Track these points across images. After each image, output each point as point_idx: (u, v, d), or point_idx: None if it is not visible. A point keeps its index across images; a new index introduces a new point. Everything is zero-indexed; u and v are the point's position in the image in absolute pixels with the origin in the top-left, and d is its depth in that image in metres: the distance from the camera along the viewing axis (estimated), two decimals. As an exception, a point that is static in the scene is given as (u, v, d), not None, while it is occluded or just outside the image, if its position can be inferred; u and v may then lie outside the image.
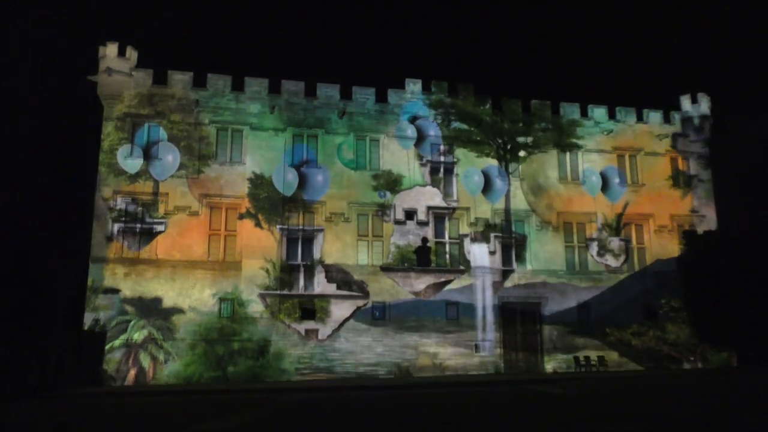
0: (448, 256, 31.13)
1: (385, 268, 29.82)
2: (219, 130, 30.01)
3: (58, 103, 36.11)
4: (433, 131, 32.09)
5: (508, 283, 31.05)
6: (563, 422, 11.46)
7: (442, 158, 31.69)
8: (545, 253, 31.97)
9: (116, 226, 27.92)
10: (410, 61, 63.76)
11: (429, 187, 31.37)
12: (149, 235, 28.15)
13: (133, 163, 28.58)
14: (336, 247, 29.65)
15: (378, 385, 23.79)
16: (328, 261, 29.38)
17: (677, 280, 32.08)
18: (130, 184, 28.44)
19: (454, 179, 31.73)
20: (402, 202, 30.84)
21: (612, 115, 34.57)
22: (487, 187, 31.82)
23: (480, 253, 31.08)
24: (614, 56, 67.79)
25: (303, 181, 29.99)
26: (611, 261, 32.43)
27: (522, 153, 32.66)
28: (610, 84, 60.16)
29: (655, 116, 34.99)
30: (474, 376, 28.25)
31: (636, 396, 16.61)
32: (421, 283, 30.03)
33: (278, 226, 29.26)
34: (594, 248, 32.46)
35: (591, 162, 33.56)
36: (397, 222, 30.56)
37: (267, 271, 28.61)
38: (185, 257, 28.18)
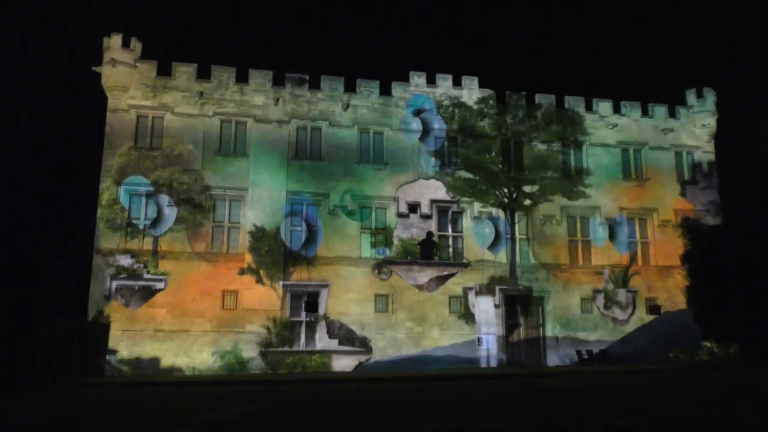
0: (451, 249, 31.12)
1: (389, 261, 29.81)
2: (223, 122, 29.96)
3: (62, 95, 36.14)
4: (438, 124, 31.97)
5: (513, 338, 30.61)
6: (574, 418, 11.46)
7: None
8: (555, 309, 31.31)
9: (114, 284, 27.08)
10: (414, 54, 63.55)
11: (433, 180, 31.31)
12: (148, 292, 27.34)
13: (135, 217, 27.87)
14: (339, 302, 28.87)
15: (379, 377, 23.79)
16: (332, 316, 28.70)
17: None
18: (130, 240, 27.68)
19: (460, 225, 31.10)
20: (405, 195, 30.79)
21: (617, 109, 34.42)
22: (492, 239, 31.03)
23: (485, 307, 30.55)
24: (620, 51, 67.46)
25: (309, 235, 29.29)
26: (618, 314, 31.97)
27: (527, 202, 31.76)
28: (615, 78, 59.92)
29: (660, 110, 34.82)
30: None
31: (640, 392, 16.61)
32: (425, 276, 30.02)
33: (281, 282, 28.56)
34: (600, 300, 31.70)
35: (595, 156, 33.41)
36: (401, 215, 30.53)
37: (268, 328, 27.90)
38: (184, 315, 27.45)
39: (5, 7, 35.94)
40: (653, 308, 31.71)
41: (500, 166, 31.85)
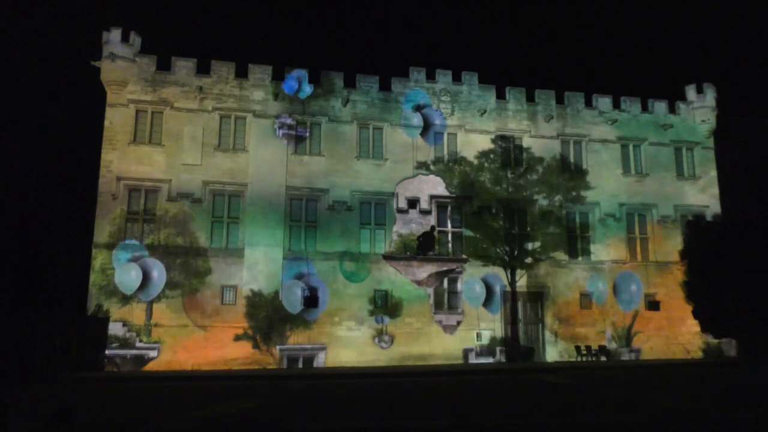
0: (450, 245, 31.12)
1: (388, 257, 29.81)
2: (222, 117, 29.92)
3: (60, 88, 36.06)
4: (439, 120, 31.93)
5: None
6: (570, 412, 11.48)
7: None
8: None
9: (106, 353, 26.29)
10: (414, 49, 63.44)
11: (432, 176, 31.29)
12: (141, 360, 26.62)
13: (125, 284, 26.98)
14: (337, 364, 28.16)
15: (378, 373, 23.82)
16: None
17: None
18: (122, 307, 26.89)
19: (459, 287, 30.39)
20: (405, 190, 30.78)
21: (617, 105, 34.38)
22: (490, 299, 30.30)
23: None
24: (620, 47, 67.38)
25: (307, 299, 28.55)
26: None
27: (529, 260, 31.18)
28: (615, 74, 59.83)
29: (660, 106, 34.79)
30: None
31: (644, 388, 16.62)
32: (424, 272, 30.02)
33: (278, 347, 27.93)
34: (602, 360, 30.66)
35: (594, 152, 33.39)
36: (400, 211, 30.52)
37: None
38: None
39: (3, 0, 35.85)
40: (652, 304, 31.74)
41: (501, 223, 31.11)
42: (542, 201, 31.98)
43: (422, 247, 30.21)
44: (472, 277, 30.36)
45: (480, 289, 30.15)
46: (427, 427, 9.57)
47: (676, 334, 31.97)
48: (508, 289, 30.40)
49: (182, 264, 27.86)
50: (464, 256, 30.69)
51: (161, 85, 29.54)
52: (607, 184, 33.11)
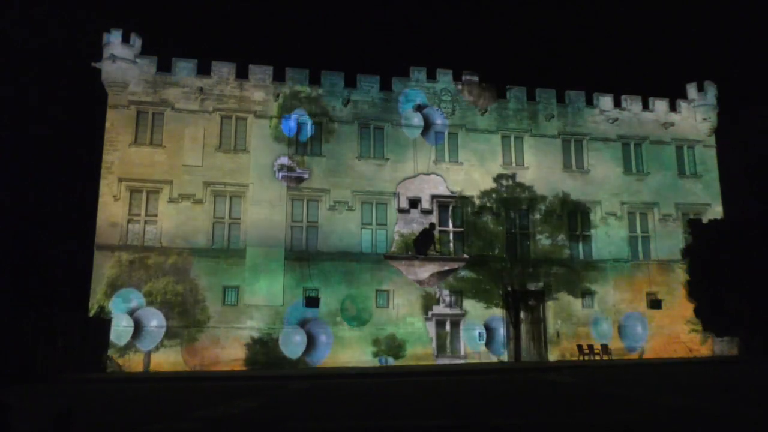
0: (451, 244, 31.09)
1: (389, 257, 29.80)
2: (223, 118, 29.93)
3: (62, 90, 36.09)
4: (440, 119, 31.91)
5: None
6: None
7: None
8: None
9: (108, 355, 26.26)
10: (415, 49, 63.43)
11: (433, 175, 31.27)
12: None
13: (120, 332, 26.73)
14: None
15: (378, 373, 23.82)
16: None
17: None
18: (120, 358, 26.71)
19: (461, 334, 30.01)
20: (406, 190, 30.77)
21: (617, 103, 34.34)
22: (493, 340, 30.15)
23: None
24: (621, 45, 67.30)
25: (308, 343, 28.53)
26: None
27: (531, 302, 31.04)
28: (616, 72, 59.78)
29: (661, 104, 34.74)
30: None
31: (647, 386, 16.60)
32: (425, 271, 30.00)
33: None
34: None
35: (596, 150, 33.34)
36: (401, 211, 30.50)
37: None
38: None
39: (5, 2, 35.89)
40: (654, 302, 31.68)
41: (504, 263, 30.73)
42: (545, 240, 31.59)
43: (421, 245, 30.02)
44: (473, 320, 30.02)
45: (481, 333, 29.92)
46: (428, 427, 9.56)
47: (678, 332, 31.93)
48: (512, 330, 30.16)
49: (180, 313, 27.49)
50: (465, 256, 30.66)
51: (162, 86, 29.57)
52: (608, 182, 33.07)
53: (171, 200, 28.48)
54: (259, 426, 10.16)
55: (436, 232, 30.64)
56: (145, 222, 28.24)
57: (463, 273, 30.43)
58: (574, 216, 32.45)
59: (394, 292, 29.57)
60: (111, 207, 27.96)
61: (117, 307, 26.87)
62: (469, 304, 30.25)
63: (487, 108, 32.35)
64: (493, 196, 31.47)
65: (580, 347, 30.16)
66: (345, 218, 29.89)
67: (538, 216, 31.80)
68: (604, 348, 30.34)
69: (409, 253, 29.98)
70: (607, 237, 32.42)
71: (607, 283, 31.87)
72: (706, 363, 27.46)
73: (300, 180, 29.77)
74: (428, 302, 29.81)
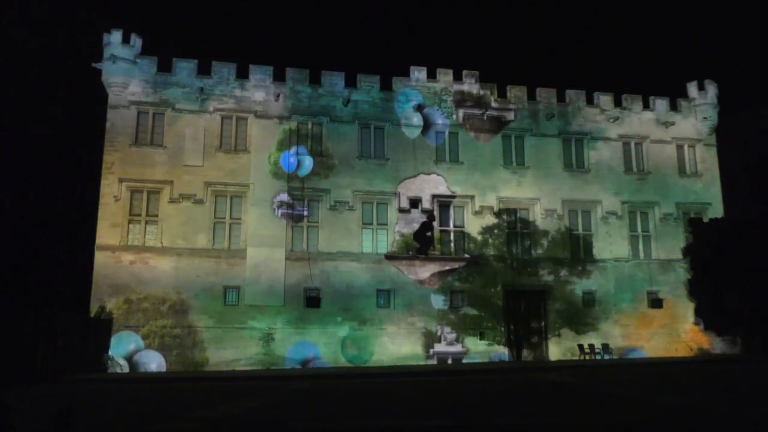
0: (452, 244, 31.07)
1: (390, 257, 29.78)
2: (224, 118, 29.93)
3: (62, 90, 36.10)
4: (441, 119, 31.87)
5: None
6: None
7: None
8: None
9: (109, 354, 26.06)
10: (415, 48, 63.41)
11: (434, 175, 31.25)
12: None
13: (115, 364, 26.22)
14: None
15: (379, 373, 23.81)
16: None
17: None
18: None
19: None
20: (407, 190, 30.74)
21: (618, 103, 34.30)
22: None
23: None
24: (621, 44, 67.26)
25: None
26: None
27: (535, 339, 30.61)
28: (617, 72, 59.75)
29: (661, 103, 34.70)
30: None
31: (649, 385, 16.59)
32: (426, 271, 29.97)
33: None
34: None
35: (596, 150, 33.29)
36: (402, 210, 30.48)
37: None
38: None
39: (5, 2, 35.90)
40: (655, 302, 31.66)
41: (506, 302, 30.21)
42: (547, 277, 31.30)
43: (421, 239, 29.80)
44: (476, 358, 29.60)
45: None
46: (428, 427, 9.56)
47: (679, 331, 31.91)
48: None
49: (179, 355, 27.13)
50: (466, 255, 30.63)
51: (162, 87, 29.56)
52: (608, 182, 33.03)
53: (171, 200, 28.49)
54: (259, 426, 10.16)
55: (435, 224, 30.41)
56: (146, 222, 28.25)
57: (466, 310, 30.09)
58: (574, 215, 32.40)
59: (392, 334, 29.24)
60: (111, 207, 27.96)
61: (117, 351, 26.39)
62: (470, 341, 29.85)
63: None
64: (495, 231, 31.08)
65: (580, 347, 30.14)
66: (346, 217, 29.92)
67: (540, 251, 31.44)
68: (605, 347, 30.32)
69: (410, 252, 29.89)
70: (608, 236, 32.40)
71: (607, 282, 31.84)
72: (708, 362, 27.45)
73: (300, 218, 29.38)
74: (429, 340, 29.46)
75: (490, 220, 31.31)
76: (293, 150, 29.90)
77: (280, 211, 29.21)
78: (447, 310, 29.92)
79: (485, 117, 32.06)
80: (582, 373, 21.70)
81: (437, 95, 32.20)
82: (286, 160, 29.73)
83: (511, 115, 32.53)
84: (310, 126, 30.66)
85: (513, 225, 31.71)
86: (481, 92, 32.42)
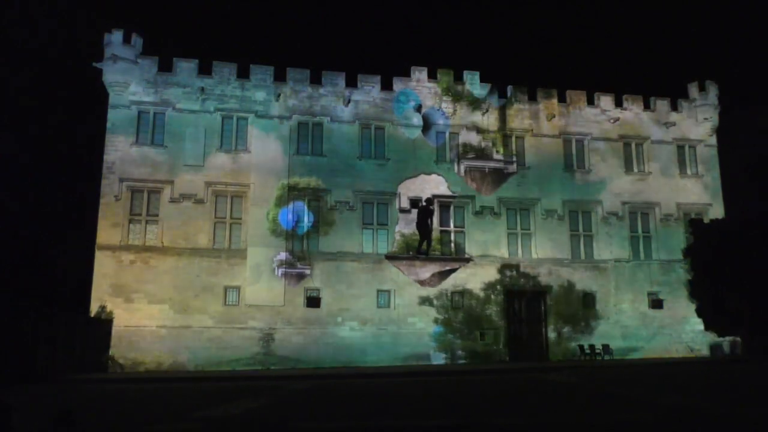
0: (453, 244, 31.05)
1: (390, 257, 29.76)
2: (224, 118, 29.93)
3: (63, 90, 36.10)
4: (441, 119, 31.84)
5: None
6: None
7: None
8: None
9: (110, 354, 26.14)
10: (416, 49, 63.39)
11: (434, 175, 31.23)
12: None
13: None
14: None
15: (379, 373, 23.79)
16: None
17: None
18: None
19: None
20: (407, 190, 30.73)
21: (619, 103, 34.28)
22: None
23: None
24: (622, 44, 67.25)
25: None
26: None
27: (535, 339, 30.62)
28: (617, 72, 59.73)
29: (662, 104, 34.67)
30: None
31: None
32: (426, 271, 29.94)
33: None
34: None
35: (597, 150, 33.27)
36: (402, 211, 30.47)
37: None
38: None
39: (5, 2, 35.91)
40: (655, 302, 31.64)
41: (507, 359, 30.00)
42: (551, 334, 31.02)
43: (421, 227, 29.60)
44: (476, 354, 29.65)
45: None
46: (428, 427, 9.55)
47: (680, 332, 31.90)
48: None
49: (179, 355, 27.06)
50: (467, 256, 30.62)
51: (163, 86, 29.57)
52: (609, 182, 33.02)
53: (172, 200, 28.50)
54: (260, 426, 10.15)
55: (435, 225, 30.37)
56: (147, 222, 28.26)
57: (465, 310, 30.00)
58: (575, 216, 32.39)
59: (392, 334, 29.11)
60: (112, 207, 27.97)
61: None
62: (471, 342, 29.80)
63: (488, 108, 32.12)
64: (498, 287, 30.83)
65: (581, 347, 30.12)
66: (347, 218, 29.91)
67: (543, 308, 31.22)
68: (605, 348, 30.30)
69: (410, 253, 29.89)
70: (609, 237, 32.38)
71: (608, 282, 31.83)
72: (709, 363, 27.43)
73: (301, 276, 29.03)
74: (429, 340, 29.42)
75: (490, 220, 31.30)
76: (291, 206, 29.31)
77: (280, 271, 28.67)
78: (447, 310, 29.89)
79: (487, 170, 31.46)
80: (582, 373, 21.67)
81: (438, 95, 32.14)
82: (284, 217, 29.29)
83: (513, 167, 32.00)
84: (310, 126, 30.66)
85: (513, 225, 31.72)
86: (483, 144, 32.00)
